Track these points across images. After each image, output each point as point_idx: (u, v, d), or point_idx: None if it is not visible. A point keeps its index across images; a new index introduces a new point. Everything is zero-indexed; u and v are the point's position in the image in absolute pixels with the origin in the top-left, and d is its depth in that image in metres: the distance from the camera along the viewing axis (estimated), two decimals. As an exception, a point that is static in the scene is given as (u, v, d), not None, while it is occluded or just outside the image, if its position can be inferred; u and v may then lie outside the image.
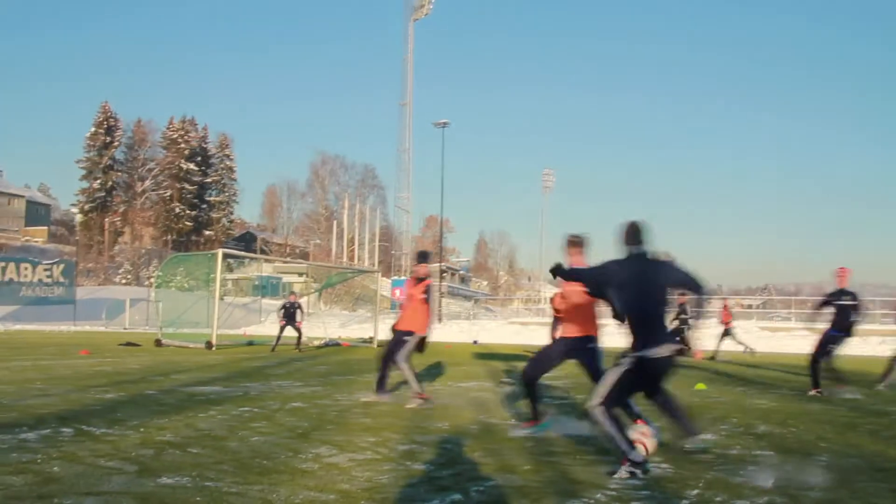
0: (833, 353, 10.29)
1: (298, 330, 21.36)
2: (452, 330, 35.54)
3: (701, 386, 11.23)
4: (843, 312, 10.23)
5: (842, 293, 10.32)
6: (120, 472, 4.64)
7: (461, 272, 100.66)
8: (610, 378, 4.99)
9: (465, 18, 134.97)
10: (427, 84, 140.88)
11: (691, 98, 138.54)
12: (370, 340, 26.16)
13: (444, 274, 73.02)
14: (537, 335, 26.81)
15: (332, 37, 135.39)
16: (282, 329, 21.34)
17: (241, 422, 6.82)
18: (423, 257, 9.31)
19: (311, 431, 6.39)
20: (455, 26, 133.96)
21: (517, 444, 5.92)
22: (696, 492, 4.42)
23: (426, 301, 8.82)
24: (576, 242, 6.34)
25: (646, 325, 4.98)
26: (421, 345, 8.87)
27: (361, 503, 4.05)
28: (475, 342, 29.40)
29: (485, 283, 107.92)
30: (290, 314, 21.19)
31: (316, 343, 23.68)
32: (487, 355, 20.71)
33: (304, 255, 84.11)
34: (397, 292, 45.74)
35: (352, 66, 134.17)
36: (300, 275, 67.42)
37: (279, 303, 27.32)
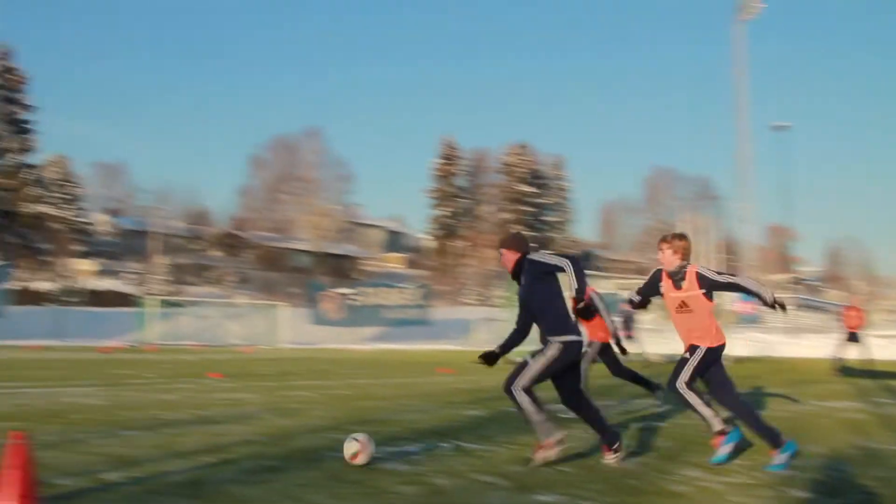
0: None
1: (636, 340, 20.98)
2: (803, 344, 32.72)
3: None
4: None
5: None
6: (496, 487, 4.85)
7: (810, 282, 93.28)
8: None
9: (799, 16, 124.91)
10: (765, 87, 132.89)
11: None
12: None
13: (793, 285, 68.09)
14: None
15: (660, 45, 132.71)
16: (629, 339, 20.89)
17: (602, 440, 6.82)
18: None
19: (676, 452, 6.24)
20: (790, 24, 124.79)
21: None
22: None
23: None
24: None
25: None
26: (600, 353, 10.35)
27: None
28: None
29: (836, 292, 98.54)
30: (630, 323, 20.75)
31: (654, 359, 23.12)
32: (851, 371, 18.87)
33: (642, 271, 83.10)
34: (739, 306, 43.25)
35: (682, 74, 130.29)
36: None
37: (618, 319, 26.83)
